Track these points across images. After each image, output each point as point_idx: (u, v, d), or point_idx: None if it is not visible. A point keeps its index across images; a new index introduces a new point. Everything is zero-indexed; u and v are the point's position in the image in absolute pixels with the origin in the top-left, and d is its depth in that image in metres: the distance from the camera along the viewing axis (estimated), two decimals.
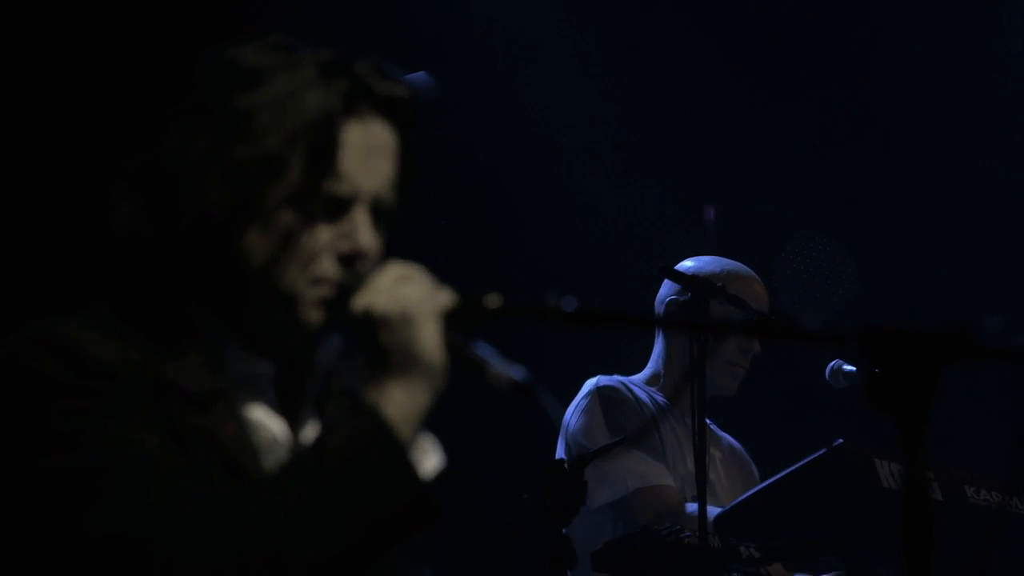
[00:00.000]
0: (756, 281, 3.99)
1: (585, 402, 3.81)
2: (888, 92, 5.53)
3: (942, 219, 5.44)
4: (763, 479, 3.67)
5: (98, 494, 1.59)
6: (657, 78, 5.42)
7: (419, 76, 4.70)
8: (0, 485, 1.64)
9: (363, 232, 1.72)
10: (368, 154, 1.73)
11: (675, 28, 5.40)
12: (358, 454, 1.63)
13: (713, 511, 3.39)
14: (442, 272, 1.71)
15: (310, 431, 1.80)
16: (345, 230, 1.72)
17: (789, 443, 4.10)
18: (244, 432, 1.71)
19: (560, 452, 3.76)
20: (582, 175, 5.40)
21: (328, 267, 1.71)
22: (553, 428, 3.72)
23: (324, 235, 1.71)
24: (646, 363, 4.05)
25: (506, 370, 1.67)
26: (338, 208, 1.72)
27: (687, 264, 3.99)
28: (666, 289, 3.98)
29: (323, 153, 1.70)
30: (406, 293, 1.66)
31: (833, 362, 3.85)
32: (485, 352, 1.69)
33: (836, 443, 3.23)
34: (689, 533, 3.24)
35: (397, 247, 1.77)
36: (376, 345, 1.66)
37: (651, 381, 3.98)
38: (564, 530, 2.97)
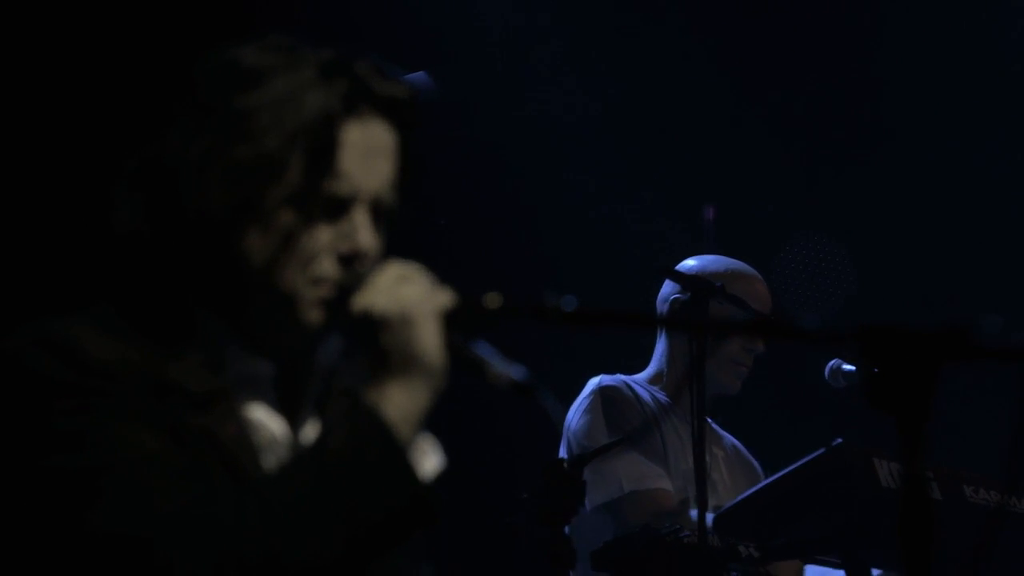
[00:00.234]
0: (759, 280, 4.00)
1: (587, 402, 3.81)
2: (888, 92, 5.53)
3: (942, 219, 5.44)
4: (765, 477, 3.67)
5: (99, 493, 1.59)
6: (657, 78, 5.42)
7: (418, 76, 4.70)
8: (2, 484, 1.64)
9: (363, 232, 1.72)
10: (368, 154, 1.74)
11: (675, 28, 5.40)
12: (358, 454, 1.63)
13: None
14: (442, 272, 1.71)
15: (310, 431, 1.80)
16: (345, 230, 1.72)
17: (788, 443, 4.10)
18: (244, 432, 1.71)
19: (563, 452, 3.77)
20: (582, 175, 5.40)
21: (328, 267, 1.71)
22: (553, 428, 3.72)
23: (324, 235, 1.71)
24: (649, 362, 4.05)
25: (506, 370, 1.68)
26: (338, 208, 1.72)
27: (690, 263, 3.99)
28: (668, 288, 3.98)
29: (323, 153, 1.70)
30: (406, 293, 1.66)
31: (832, 362, 3.85)
32: (485, 352, 1.69)
33: (835, 443, 3.23)
34: (688, 532, 3.24)
35: (397, 247, 1.77)
36: (376, 345, 1.66)
37: (654, 380, 3.98)
38: (566, 529, 2.97)
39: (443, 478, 1.73)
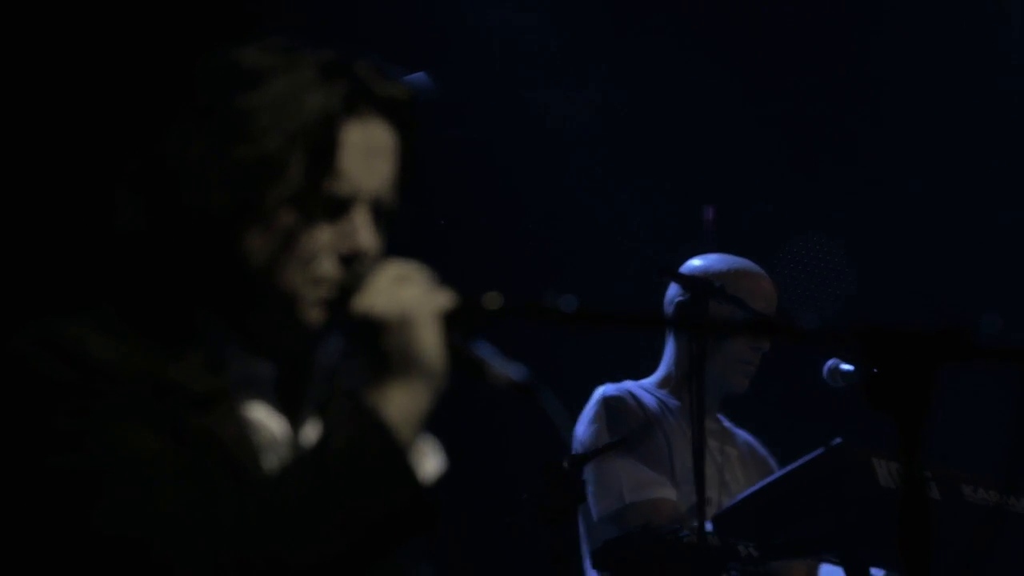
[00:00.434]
0: (764, 278, 3.99)
1: (592, 412, 3.84)
2: (888, 92, 5.54)
3: (941, 219, 5.44)
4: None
5: (100, 495, 1.59)
6: (657, 78, 5.42)
7: (418, 77, 4.70)
8: (3, 484, 1.64)
9: (363, 232, 1.73)
10: (368, 154, 1.74)
11: (676, 28, 5.40)
12: (358, 455, 1.63)
13: None
14: (442, 272, 1.71)
15: (310, 431, 1.80)
16: (345, 230, 1.72)
17: (788, 443, 4.10)
18: (245, 432, 1.72)
19: None
20: (582, 175, 5.40)
21: (328, 267, 1.71)
22: (554, 428, 3.72)
23: (324, 235, 1.71)
24: (655, 364, 4.05)
25: (506, 370, 1.68)
26: (338, 208, 1.72)
27: (695, 263, 3.99)
28: (673, 290, 3.98)
29: (323, 153, 1.70)
30: (405, 295, 1.66)
31: (831, 361, 3.85)
32: (485, 352, 1.69)
33: (834, 442, 3.23)
34: (688, 532, 3.25)
35: (397, 247, 1.78)
36: (376, 348, 1.67)
37: (662, 384, 3.98)
38: (566, 528, 2.98)
39: (443, 478, 1.73)
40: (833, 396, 3.89)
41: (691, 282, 3.65)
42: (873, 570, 3.52)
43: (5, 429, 1.65)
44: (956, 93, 5.41)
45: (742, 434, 4.10)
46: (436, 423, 1.71)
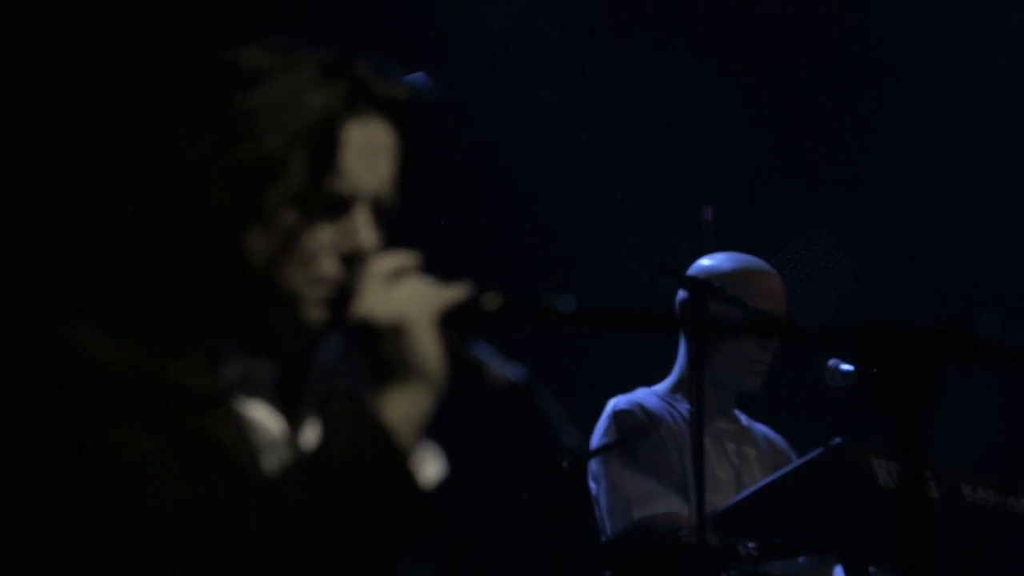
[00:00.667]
0: (772, 276, 3.98)
1: (603, 427, 3.85)
2: (887, 92, 5.53)
3: (940, 219, 5.44)
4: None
5: (100, 495, 1.59)
6: (656, 78, 5.42)
7: (417, 77, 4.70)
8: (3, 485, 1.64)
9: (364, 231, 1.73)
10: (369, 153, 1.74)
11: (675, 29, 5.40)
12: (358, 459, 1.63)
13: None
14: (442, 272, 1.71)
15: (310, 431, 1.80)
16: (346, 229, 1.73)
17: (787, 442, 4.11)
18: (244, 433, 1.72)
19: (591, 480, 3.82)
20: (581, 175, 5.40)
21: (329, 266, 1.72)
22: (552, 428, 3.72)
23: (325, 234, 1.72)
24: (658, 363, 4.05)
25: (504, 370, 1.68)
26: (339, 207, 1.72)
27: (703, 263, 3.99)
28: (681, 291, 3.98)
29: (325, 152, 1.70)
30: (401, 298, 1.66)
31: (830, 361, 3.85)
32: (483, 352, 1.69)
33: (834, 442, 3.24)
34: (687, 532, 3.25)
35: (397, 247, 1.78)
36: (374, 353, 1.67)
37: (675, 388, 3.96)
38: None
39: (444, 479, 1.73)
40: (833, 396, 3.89)
41: (690, 282, 3.65)
42: (870, 569, 3.53)
43: (5, 430, 1.65)
44: (956, 92, 5.41)
45: (762, 430, 4.07)
46: (436, 423, 1.71)
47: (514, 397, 1.67)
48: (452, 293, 1.69)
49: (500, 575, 4.99)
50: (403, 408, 1.66)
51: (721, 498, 3.64)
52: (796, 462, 3.35)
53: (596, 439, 3.86)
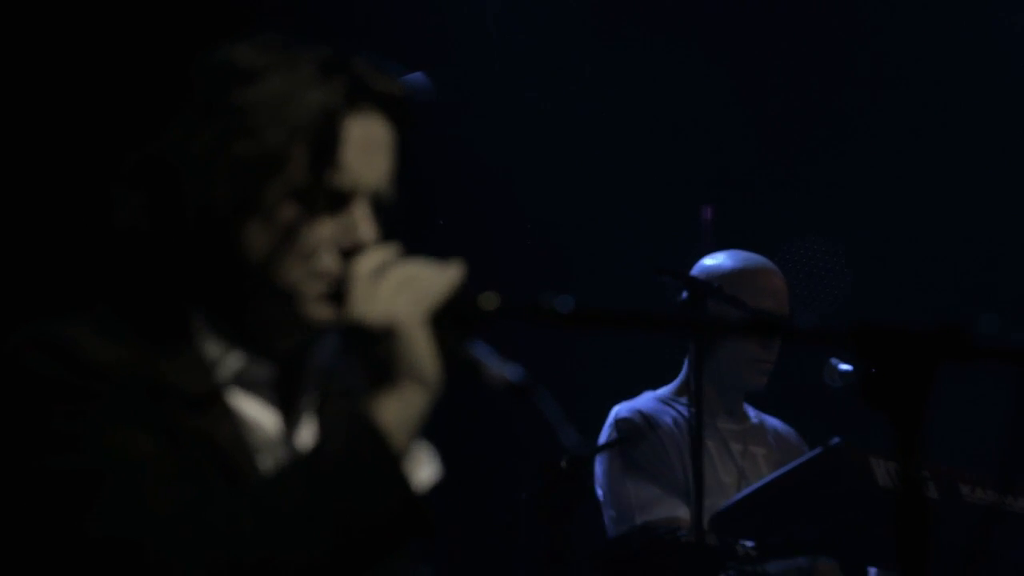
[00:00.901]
0: (773, 274, 3.97)
1: (605, 436, 3.86)
2: (887, 91, 5.54)
3: (940, 219, 5.44)
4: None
5: (95, 497, 1.59)
6: (656, 77, 5.42)
7: (416, 76, 4.70)
8: None
9: (364, 226, 1.73)
10: (368, 149, 1.75)
11: (675, 29, 5.40)
12: (351, 461, 1.63)
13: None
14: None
15: (307, 431, 1.80)
16: (346, 224, 1.73)
17: (799, 435, 4.10)
18: (240, 433, 1.72)
19: (598, 489, 3.83)
20: (581, 175, 5.40)
21: (329, 261, 1.72)
22: (551, 428, 3.72)
23: (325, 229, 1.72)
24: (657, 363, 4.05)
25: (502, 370, 1.68)
26: (339, 202, 1.73)
27: (705, 262, 3.99)
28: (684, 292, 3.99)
29: (325, 147, 1.71)
30: (390, 298, 1.66)
31: (829, 361, 3.85)
32: (481, 352, 1.69)
33: (833, 442, 3.23)
34: (685, 532, 3.25)
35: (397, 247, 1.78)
36: (367, 356, 1.67)
37: (680, 391, 3.96)
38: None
39: (443, 478, 1.73)
40: (831, 396, 3.89)
41: (689, 282, 3.65)
42: (869, 569, 3.53)
43: (2, 430, 1.65)
44: (956, 92, 5.41)
45: (773, 425, 4.06)
46: (436, 423, 1.71)
47: (512, 397, 1.67)
48: (442, 282, 1.68)
49: (500, 575, 4.99)
50: (397, 411, 1.66)
51: (724, 502, 3.63)
52: (795, 462, 3.35)
53: (599, 445, 3.87)
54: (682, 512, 3.71)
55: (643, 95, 5.45)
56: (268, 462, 1.73)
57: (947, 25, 5.39)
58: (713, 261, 3.98)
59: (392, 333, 1.65)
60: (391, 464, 1.64)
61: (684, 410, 3.88)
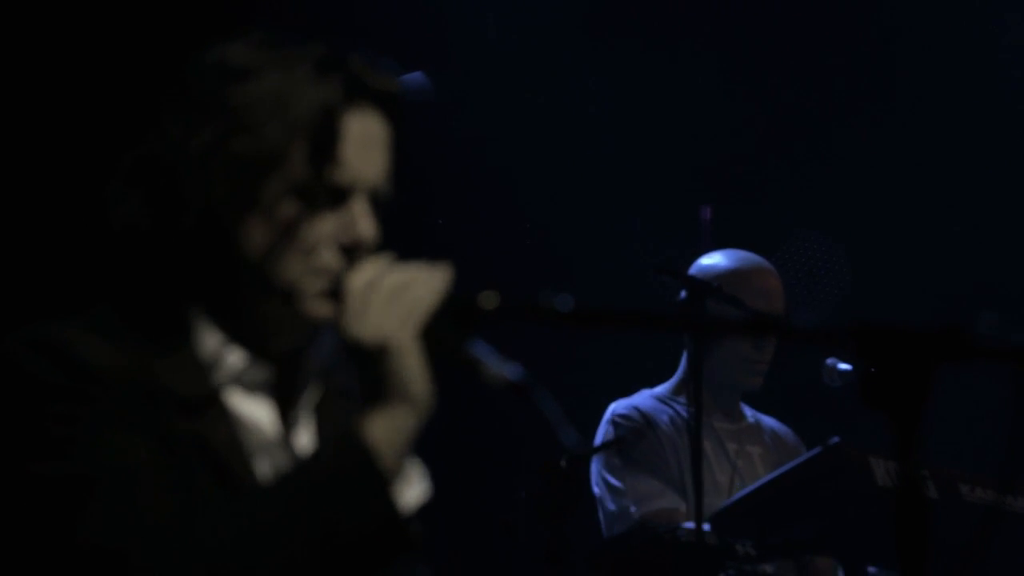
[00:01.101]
0: (769, 274, 3.98)
1: (601, 433, 3.87)
2: (887, 91, 5.54)
3: (939, 218, 5.44)
4: None
5: (84, 504, 1.59)
6: (655, 76, 5.42)
7: (416, 76, 4.70)
8: None
9: (363, 222, 1.73)
10: (365, 145, 1.75)
11: (675, 28, 5.40)
12: (337, 479, 1.64)
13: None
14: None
15: (305, 431, 1.80)
16: (345, 221, 1.73)
17: (796, 435, 4.10)
18: (237, 435, 1.72)
19: (594, 485, 3.84)
20: (581, 174, 5.40)
21: (329, 258, 1.72)
22: (550, 427, 3.72)
23: (325, 226, 1.72)
24: (658, 362, 4.05)
25: (502, 370, 1.68)
26: (338, 198, 1.73)
27: (703, 262, 4.00)
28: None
29: (325, 143, 1.71)
30: (382, 316, 1.66)
31: (829, 361, 3.85)
32: (481, 351, 1.69)
33: (832, 441, 3.24)
34: (685, 531, 3.25)
35: (397, 247, 1.78)
36: (361, 373, 1.68)
37: (677, 390, 3.96)
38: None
39: (443, 478, 1.73)
40: (831, 395, 3.89)
41: (688, 282, 3.65)
42: (869, 569, 3.52)
43: None
44: (956, 91, 5.41)
45: (769, 425, 4.06)
46: (436, 423, 1.71)
47: (512, 396, 1.67)
48: (432, 290, 1.68)
49: (499, 575, 4.99)
50: (387, 430, 1.66)
51: (718, 501, 3.63)
52: (794, 461, 3.35)
53: (596, 444, 3.88)
54: (678, 504, 3.72)
55: (643, 95, 5.45)
56: (266, 463, 1.73)
57: (948, 24, 5.39)
58: (710, 261, 3.98)
59: (383, 351, 1.65)
60: (377, 481, 1.64)
61: (681, 409, 3.89)
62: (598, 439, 3.88)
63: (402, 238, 1.79)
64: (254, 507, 1.63)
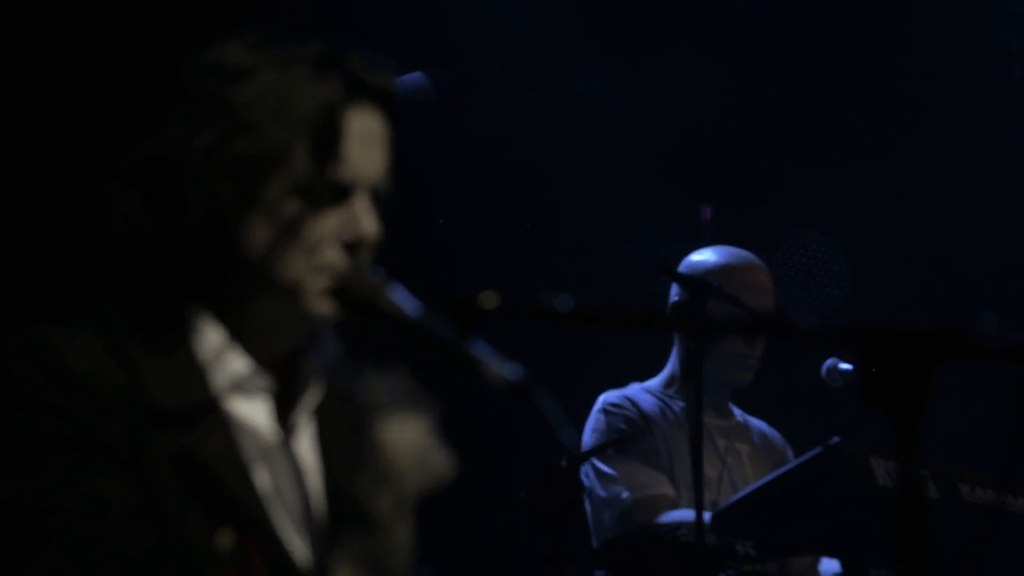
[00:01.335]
0: (760, 270, 3.98)
1: (592, 421, 3.87)
2: (887, 91, 5.54)
3: (939, 218, 5.44)
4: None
5: (43, 540, 1.57)
6: (654, 76, 5.42)
7: (416, 76, 4.70)
8: None
9: (366, 219, 1.74)
10: (366, 142, 1.76)
11: (675, 27, 5.40)
12: None
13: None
14: (441, 272, 1.71)
15: (305, 437, 1.80)
16: (347, 218, 1.73)
17: (784, 438, 4.10)
18: (233, 443, 1.70)
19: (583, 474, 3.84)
20: (580, 174, 5.40)
21: (332, 256, 1.72)
22: (551, 427, 3.72)
23: (328, 223, 1.72)
24: (659, 362, 4.06)
25: (502, 369, 1.68)
26: (340, 195, 1.73)
27: (692, 259, 3.99)
28: (673, 289, 3.99)
29: (327, 141, 1.71)
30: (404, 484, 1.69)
31: (829, 360, 3.85)
32: (481, 351, 1.69)
33: (832, 441, 3.23)
34: (685, 531, 3.25)
35: (397, 247, 1.78)
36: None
37: (667, 384, 3.97)
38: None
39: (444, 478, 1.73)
40: (831, 395, 3.89)
41: (689, 281, 3.65)
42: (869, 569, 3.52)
43: None
44: (956, 90, 5.41)
45: (758, 426, 4.07)
46: (436, 423, 1.71)
47: (512, 396, 1.67)
48: (437, 473, 1.71)
49: (499, 575, 4.99)
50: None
51: (708, 496, 3.64)
52: (794, 461, 3.35)
53: (587, 432, 3.87)
54: (670, 491, 3.72)
55: (643, 94, 5.45)
56: (265, 470, 1.72)
57: (948, 24, 5.39)
58: (700, 257, 3.98)
59: (380, 530, 1.68)
60: None
61: (672, 402, 3.91)
62: (588, 428, 3.86)
63: (402, 238, 1.79)
64: None
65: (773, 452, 4.00)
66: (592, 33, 5.41)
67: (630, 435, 3.78)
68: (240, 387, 1.74)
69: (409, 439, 1.68)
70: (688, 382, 3.77)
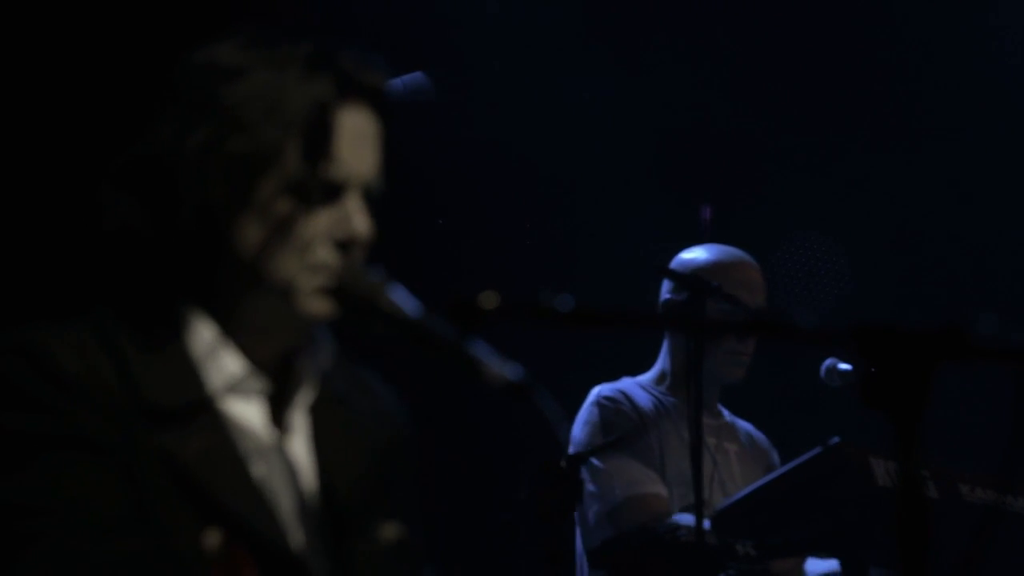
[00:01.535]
0: (751, 267, 3.98)
1: (586, 414, 3.85)
2: (887, 91, 5.54)
3: (940, 218, 5.44)
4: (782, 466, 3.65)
5: (30, 540, 1.56)
6: (654, 75, 5.42)
7: (416, 76, 4.69)
8: None
9: (358, 217, 1.74)
10: (358, 141, 1.76)
11: (674, 27, 5.40)
12: None
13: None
14: (441, 272, 1.71)
15: (299, 437, 1.79)
16: (339, 217, 1.73)
17: (785, 442, 4.10)
18: (226, 444, 1.70)
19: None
20: (580, 174, 5.40)
21: (325, 254, 1.72)
22: (550, 427, 3.72)
23: (320, 222, 1.72)
24: (652, 359, 4.06)
25: (501, 369, 1.68)
26: (332, 194, 1.73)
27: (684, 257, 3.99)
28: (665, 287, 3.99)
29: (319, 140, 1.71)
30: None
31: (829, 360, 3.85)
32: (481, 351, 1.69)
33: (832, 441, 3.23)
34: (685, 532, 3.25)
35: (397, 247, 1.78)
36: None
37: (659, 380, 3.98)
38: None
39: (443, 478, 1.73)
40: (831, 395, 3.89)
41: (689, 281, 3.65)
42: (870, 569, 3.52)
43: None
44: (956, 90, 5.41)
45: (745, 427, 4.08)
46: (436, 423, 1.71)
47: (512, 396, 1.67)
48: None
49: (499, 575, 4.99)
50: None
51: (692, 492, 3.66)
52: (794, 461, 3.35)
53: (579, 425, 3.84)
54: (662, 490, 3.72)
55: (642, 94, 5.44)
56: (260, 468, 1.72)
57: (949, 24, 5.39)
58: (691, 255, 3.98)
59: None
60: None
61: (664, 398, 3.91)
62: (580, 420, 3.84)
63: (402, 238, 1.79)
64: None
65: (759, 453, 4.02)
66: (592, 33, 5.41)
67: (630, 433, 3.78)
68: (235, 387, 1.73)
69: None
70: (684, 381, 3.77)
